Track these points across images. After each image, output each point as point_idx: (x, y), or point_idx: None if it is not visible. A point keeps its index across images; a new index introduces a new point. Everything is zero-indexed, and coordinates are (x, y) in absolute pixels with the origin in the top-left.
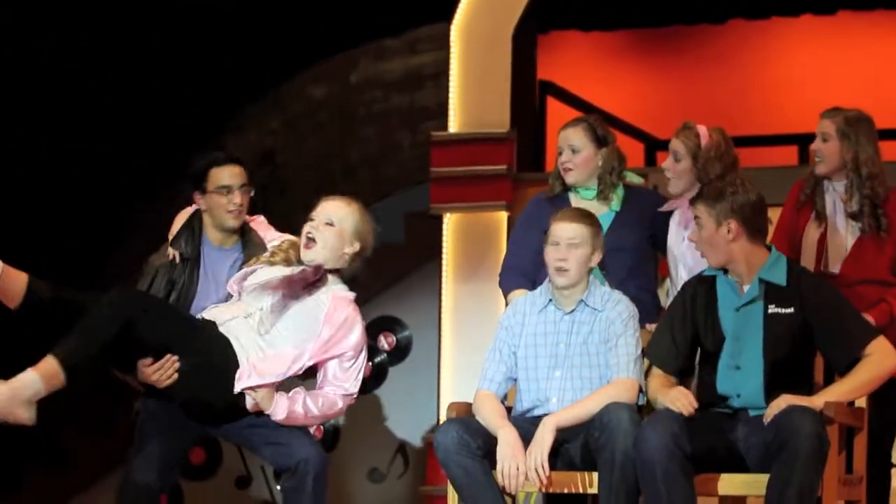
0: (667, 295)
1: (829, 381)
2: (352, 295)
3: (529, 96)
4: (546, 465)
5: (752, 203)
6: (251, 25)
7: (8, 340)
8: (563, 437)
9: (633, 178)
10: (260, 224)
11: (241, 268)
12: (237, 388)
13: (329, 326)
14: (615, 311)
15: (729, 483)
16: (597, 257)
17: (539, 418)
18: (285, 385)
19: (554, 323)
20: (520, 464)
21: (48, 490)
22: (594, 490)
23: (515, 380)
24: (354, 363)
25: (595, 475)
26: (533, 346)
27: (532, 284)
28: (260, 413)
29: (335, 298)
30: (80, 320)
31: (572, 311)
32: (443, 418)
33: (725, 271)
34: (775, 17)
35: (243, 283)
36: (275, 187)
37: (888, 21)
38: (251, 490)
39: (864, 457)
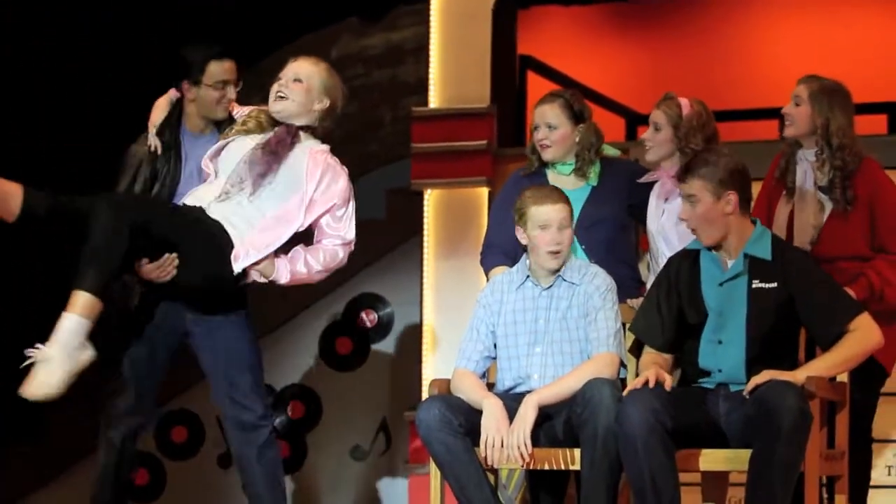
0: (648, 269)
1: (810, 357)
2: (326, 147)
3: (510, 71)
4: (528, 442)
5: (742, 171)
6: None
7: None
8: (547, 412)
9: (609, 151)
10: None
11: None
12: (237, 268)
13: (312, 181)
14: (592, 284)
15: (711, 458)
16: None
17: (522, 395)
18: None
19: (532, 299)
20: (504, 437)
21: (28, 466)
22: (577, 467)
23: (493, 358)
24: (346, 210)
25: (577, 452)
26: (513, 324)
27: (513, 262)
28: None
29: (312, 153)
30: (86, 243)
31: (550, 286)
32: (425, 395)
33: (710, 247)
34: None
35: (217, 158)
36: None
37: None
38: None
39: (846, 432)
